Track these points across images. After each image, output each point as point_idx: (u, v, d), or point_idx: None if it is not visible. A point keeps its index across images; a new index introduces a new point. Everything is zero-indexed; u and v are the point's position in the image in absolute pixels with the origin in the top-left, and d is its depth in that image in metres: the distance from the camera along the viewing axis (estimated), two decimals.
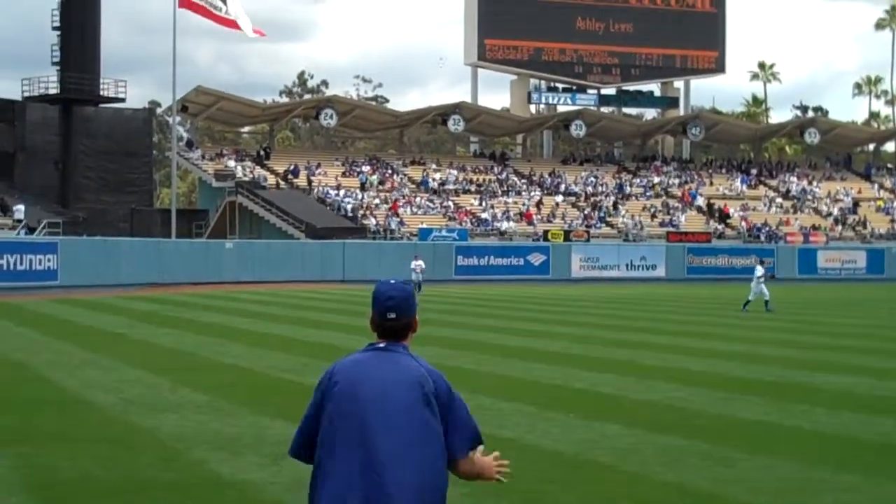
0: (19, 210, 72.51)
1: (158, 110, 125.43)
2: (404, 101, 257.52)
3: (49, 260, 64.31)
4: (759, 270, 49.41)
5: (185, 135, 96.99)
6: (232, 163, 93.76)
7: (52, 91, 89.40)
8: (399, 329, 6.15)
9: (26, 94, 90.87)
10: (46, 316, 42.45)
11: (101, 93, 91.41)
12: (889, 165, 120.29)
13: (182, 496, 12.11)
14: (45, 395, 20.15)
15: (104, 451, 14.70)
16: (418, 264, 64.64)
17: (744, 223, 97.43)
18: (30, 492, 12.31)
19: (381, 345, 6.15)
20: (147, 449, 14.95)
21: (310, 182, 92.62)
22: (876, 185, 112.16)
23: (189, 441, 15.47)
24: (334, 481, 5.83)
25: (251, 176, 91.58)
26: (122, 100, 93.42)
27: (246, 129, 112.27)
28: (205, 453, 14.56)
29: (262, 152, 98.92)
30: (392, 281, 6.28)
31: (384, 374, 5.98)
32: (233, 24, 74.58)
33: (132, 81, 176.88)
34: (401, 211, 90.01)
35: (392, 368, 6.02)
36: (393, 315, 6.12)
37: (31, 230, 71.03)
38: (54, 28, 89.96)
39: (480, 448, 6.12)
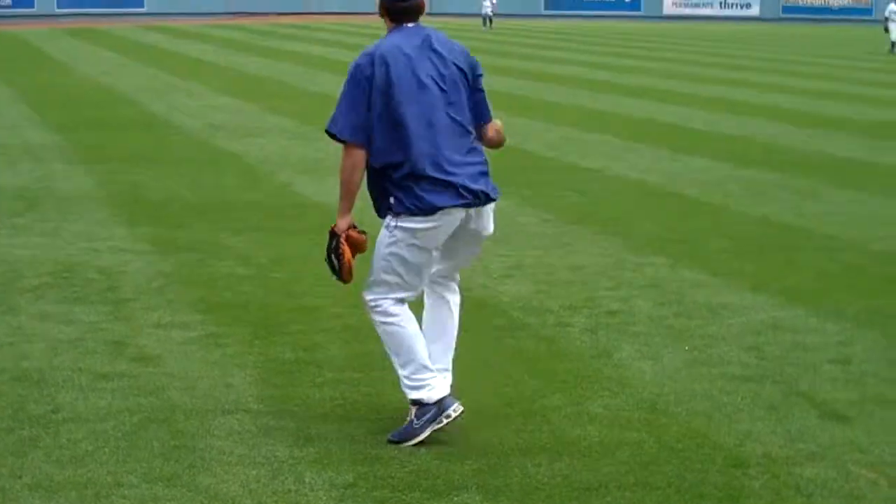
0: None
1: None
2: None
3: None
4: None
5: None
6: None
7: None
8: (417, 8, 6.27)
9: None
10: (134, 42, 42.59)
11: None
12: None
13: (267, 215, 12.23)
14: (132, 117, 20.36)
15: (190, 172, 14.87)
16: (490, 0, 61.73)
17: None
18: (117, 207, 12.48)
19: (411, 25, 6.22)
20: (233, 171, 15.12)
21: None
22: None
23: (274, 164, 15.60)
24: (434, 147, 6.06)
25: None
26: None
27: None
28: (290, 176, 14.70)
29: None
30: None
31: (434, 53, 6.15)
32: None
33: None
34: None
35: (445, 45, 6.20)
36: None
37: None
38: None
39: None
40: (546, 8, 79.72)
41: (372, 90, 6.03)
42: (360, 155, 6.10)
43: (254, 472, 5.58)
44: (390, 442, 6.01)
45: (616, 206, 13.35)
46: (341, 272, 6.17)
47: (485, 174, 6.15)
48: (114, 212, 12.25)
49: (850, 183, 14.96)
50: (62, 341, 7.67)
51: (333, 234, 6.16)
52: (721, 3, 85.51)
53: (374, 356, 7.45)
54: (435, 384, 6.08)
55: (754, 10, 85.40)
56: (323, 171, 14.94)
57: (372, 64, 6.07)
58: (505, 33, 56.09)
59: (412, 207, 6.00)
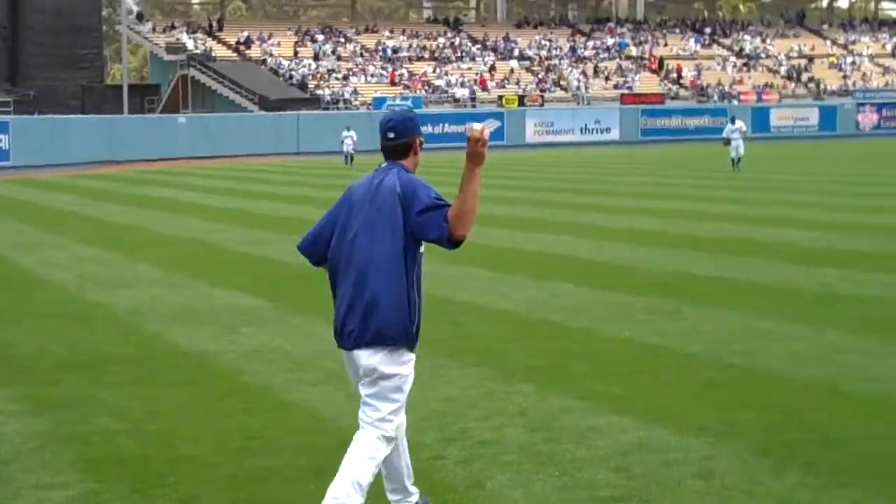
0: None
1: None
2: None
3: (0, 140, 63.79)
4: (739, 125, 48.78)
5: (134, 7, 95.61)
6: (183, 35, 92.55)
7: None
8: (397, 148, 6.84)
9: None
10: None
11: None
12: (842, 22, 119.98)
13: (140, 369, 12.19)
14: (1, 273, 20.20)
15: (61, 327, 14.78)
16: (350, 136, 60.89)
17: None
18: None
19: (383, 165, 6.88)
20: (104, 324, 15.04)
21: (264, 54, 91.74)
22: (829, 42, 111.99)
23: (145, 315, 15.56)
24: (341, 293, 6.72)
25: (203, 48, 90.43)
26: None
27: (196, 0, 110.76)
28: (161, 326, 14.66)
29: (213, 24, 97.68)
30: (398, 107, 6.71)
31: (372, 196, 6.75)
32: None
33: None
34: (354, 80, 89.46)
35: (377, 189, 6.77)
36: (392, 135, 6.82)
37: None
38: None
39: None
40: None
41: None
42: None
43: None
44: None
45: (487, 336, 13.60)
46: None
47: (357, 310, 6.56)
48: None
49: (707, 301, 15.43)
50: None
51: None
52: (581, 129, 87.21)
53: (255, 501, 7.57)
54: None
55: (614, 134, 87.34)
56: (195, 319, 15.00)
57: (347, 195, 6.97)
58: (367, 169, 56.48)
59: None
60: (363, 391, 6.62)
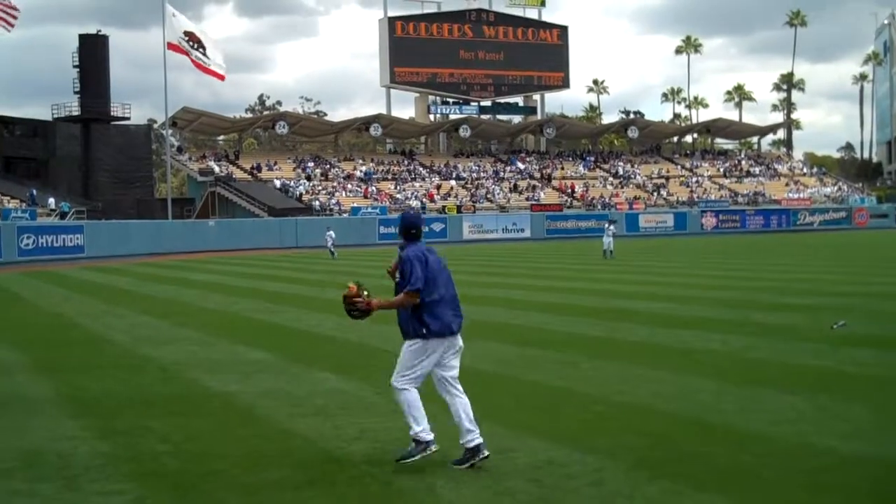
0: (51, 202, 71.38)
1: (155, 125, 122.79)
2: (337, 114, 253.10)
3: (78, 238, 63.24)
4: (612, 228, 50.47)
5: (175, 143, 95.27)
6: (212, 163, 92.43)
7: (75, 113, 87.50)
8: (419, 235, 9.02)
9: (55, 116, 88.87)
10: (76, 279, 41.71)
11: (112, 113, 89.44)
12: (687, 152, 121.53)
13: (180, 404, 12.03)
14: (77, 336, 19.90)
15: (121, 375, 14.56)
16: (330, 235, 60.11)
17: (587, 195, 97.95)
18: (66, 405, 12.17)
19: (421, 243, 8.97)
20: (153, 372, 14.83)
21: (271, 176, 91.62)
22: (679, 166, 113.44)
23: (184, 365, 15.36)
24: (444, 304, 8.94)
25: (226, 172, 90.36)
26: (128, 118, 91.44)
27: (221, 137, 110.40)
28: (196, 373, 14.48)
29: (233, 154, 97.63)
30: (411, 212, 9.06)
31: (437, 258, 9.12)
32: (204, 69, 73.09)
33: (135, 105, 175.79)
34: (337, 194, 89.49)
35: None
36: (414, 231, 8.96)
37: (62, 216, 69.80)
38: (74, 66, 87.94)
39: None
40: (379, 239, 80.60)
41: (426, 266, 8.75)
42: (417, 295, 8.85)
43: None
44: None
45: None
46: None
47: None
48: (65, 408, 11.95)
49: (597, 354, 15.37)
50: None
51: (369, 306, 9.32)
52: (503, 229, 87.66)
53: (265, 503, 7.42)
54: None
55: (527, 233, 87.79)
56: (220, 368, 14.81)
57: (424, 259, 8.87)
58: (349, 259, 56.43)
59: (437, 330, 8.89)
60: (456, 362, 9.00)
